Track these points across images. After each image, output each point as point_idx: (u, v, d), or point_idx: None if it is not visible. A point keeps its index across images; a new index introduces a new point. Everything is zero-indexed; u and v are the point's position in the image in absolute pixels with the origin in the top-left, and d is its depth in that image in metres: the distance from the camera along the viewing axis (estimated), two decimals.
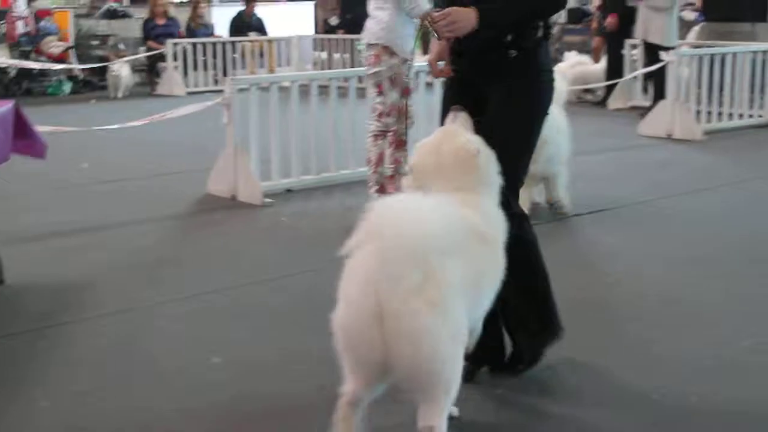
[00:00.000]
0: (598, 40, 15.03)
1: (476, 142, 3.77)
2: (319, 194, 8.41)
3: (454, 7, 4.02)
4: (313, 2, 21.26)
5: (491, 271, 3.63)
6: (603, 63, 14.57)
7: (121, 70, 16.48)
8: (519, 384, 4.18)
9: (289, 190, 8.45)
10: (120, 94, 16.39)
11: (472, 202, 3.62)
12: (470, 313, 3.44)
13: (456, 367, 3.28)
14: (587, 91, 14.81)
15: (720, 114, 11.93)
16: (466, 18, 3.98)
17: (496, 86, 4.13)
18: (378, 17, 7.29)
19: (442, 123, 4.09)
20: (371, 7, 7.37)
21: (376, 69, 7.32)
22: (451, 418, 3.47)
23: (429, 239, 3.14)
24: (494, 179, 3.79)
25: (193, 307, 5.37)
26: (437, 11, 4.08)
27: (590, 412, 3.93)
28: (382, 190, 7.37)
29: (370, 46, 7.37)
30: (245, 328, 5.00)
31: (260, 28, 18.71)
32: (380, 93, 7.32)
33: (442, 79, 4.47)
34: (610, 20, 13.71)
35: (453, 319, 3.22)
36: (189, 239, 7.04)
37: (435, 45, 4.35)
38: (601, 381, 4.23)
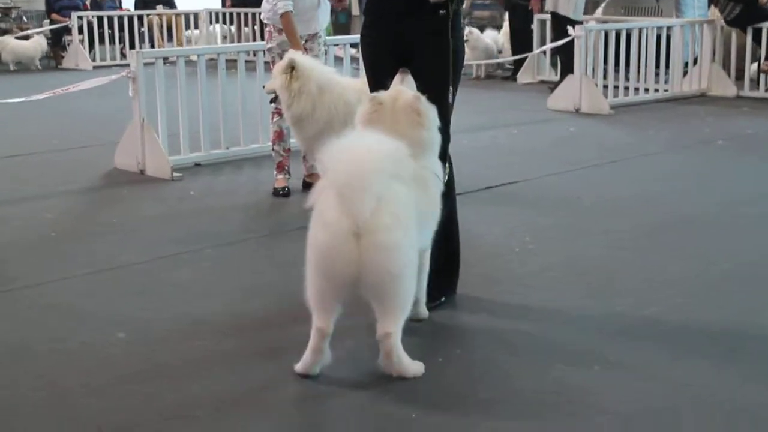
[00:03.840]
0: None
1: (424, 101, 4.19)
2: (228, 168, 8.35)
3: None
4: None
5: (426, 210, 4.10)
6: (492, 38, 14.76)
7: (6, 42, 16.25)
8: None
9: (198, 164, 8.36)
10: (12, 67, 16.10)
11: (418, 155, 4.06)
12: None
13: (412, 280, 3.86)
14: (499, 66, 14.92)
15: (626, 88, 12.11)
16: None
17: (425, 42, 4.62)
18: None
19: (371, 78, 4.77)
20: None
21: (269, 46, 7.33)
22: (419, 320, 4.43)
23: (380, 164, 3.70)
24: (437, 136, 4.26)
25: (99, 282, 5.29)
26: None
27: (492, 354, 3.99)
28: (280, 168, 7.31)
29: (265, 24, 7.45)
30: (151, 303, 4.94)
31: (169, 2, 18.44)
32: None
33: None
34: (534, 3, 13.80)
35: (412, 236, 3.82)
36: (95, 214, 6.93)
37: None
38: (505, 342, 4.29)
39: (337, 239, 3.67)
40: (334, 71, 7.05)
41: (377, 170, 3.71)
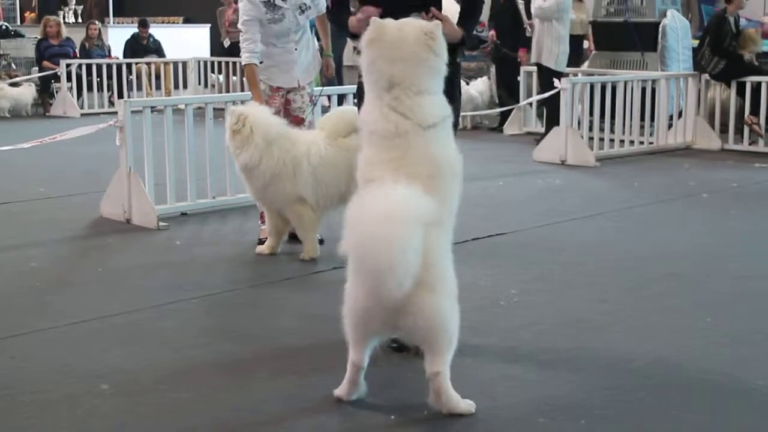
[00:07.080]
0: None
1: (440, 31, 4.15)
2: (214, 218, 8.35)
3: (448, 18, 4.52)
4: (209, 25, 21.19)
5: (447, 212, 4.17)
6: (477, 88, 14.88)
7: None
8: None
9: (184, 214, 8.36)
10: (6, 114, 16.10)
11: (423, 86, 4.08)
12: None
13: (455, 321, 3.93)
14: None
15: (612, 140, 12.19)
16: (454, 34, 4.56)
17: None
18: None
19: None
20: None
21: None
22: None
23: (418, 213, 3.69)
24: (444, 69, 4.18)
25: (83, 333, 5.27)
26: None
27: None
28: (264, 218, 7.27)
29: None
30: (135, 353, 4.91)
31: (158, 51, 18.53)
32: None
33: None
34: (522, 55, 13.91)
35: (450, 279, 3.92)
36: (80, 263, 6.90)
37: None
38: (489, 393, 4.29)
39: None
40: (285, 124, 7.02)
41: (405, 244, 3.60)
